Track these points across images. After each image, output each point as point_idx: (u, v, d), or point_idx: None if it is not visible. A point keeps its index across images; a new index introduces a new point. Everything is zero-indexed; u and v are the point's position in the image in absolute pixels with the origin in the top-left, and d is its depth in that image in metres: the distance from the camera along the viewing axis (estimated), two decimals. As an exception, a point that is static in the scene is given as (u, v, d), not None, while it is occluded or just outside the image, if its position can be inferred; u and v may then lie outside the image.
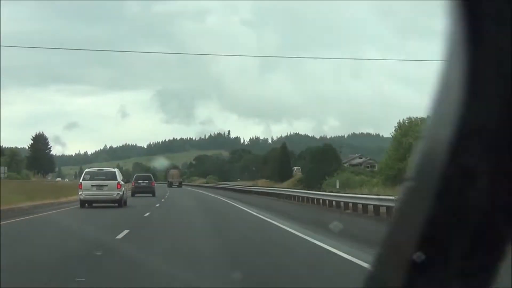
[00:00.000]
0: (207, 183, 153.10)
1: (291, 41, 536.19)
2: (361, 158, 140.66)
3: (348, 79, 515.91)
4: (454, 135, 0.74)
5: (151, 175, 67.76)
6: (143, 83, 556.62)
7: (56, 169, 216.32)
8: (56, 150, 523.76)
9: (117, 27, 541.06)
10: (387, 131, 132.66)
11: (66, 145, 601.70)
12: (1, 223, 23.60)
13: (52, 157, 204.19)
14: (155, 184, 62.93)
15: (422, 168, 0.79)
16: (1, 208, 30.30)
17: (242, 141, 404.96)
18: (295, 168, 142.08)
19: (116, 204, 36.41)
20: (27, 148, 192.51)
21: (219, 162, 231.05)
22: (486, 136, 0.71)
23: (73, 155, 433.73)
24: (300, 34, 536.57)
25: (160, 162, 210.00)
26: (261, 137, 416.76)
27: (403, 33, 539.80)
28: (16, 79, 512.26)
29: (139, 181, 60.61)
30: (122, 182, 38.08)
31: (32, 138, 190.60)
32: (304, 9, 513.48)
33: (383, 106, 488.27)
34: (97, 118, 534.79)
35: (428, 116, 0.86)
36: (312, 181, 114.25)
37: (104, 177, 37.04)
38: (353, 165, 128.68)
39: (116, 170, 39.78)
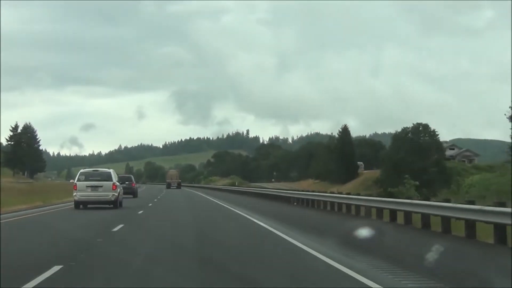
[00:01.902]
0: (235, 184, 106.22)
1: (309, 39, 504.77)
2: (453, 149, 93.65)
3: (368, 77, 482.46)
4: None
5: (131, 176, 63.81)
6: (160, 84, 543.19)
7: (45, 168, 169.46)
8: (72, 150, 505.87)
9: (133, 27, 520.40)
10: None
11: (83, 146, 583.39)
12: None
13: (41, 153, 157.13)
14: (136, 185, 60.10)
15: None
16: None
17: (261, 141, 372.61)
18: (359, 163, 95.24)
19: (112, 206, 34.24)
20: (5, 141, 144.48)
21: (242, 160, 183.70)
22: None
23: (87, 155, 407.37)
24: (319, 32, 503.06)
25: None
26: (281, 137, 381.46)
27: (426, 30, 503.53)
28: (33, 81, 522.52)
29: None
30: (118, 183, 35.74)
31: (11, 128, 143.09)
32: (323, 7, 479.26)
33: (404, 105, 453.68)
34: (114, 119, 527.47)
35: None
36: (398, 182, 67.87)
37: (99, 178, 34.78)
38: (445, 159, 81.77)
39: (111, 170, 36.80)
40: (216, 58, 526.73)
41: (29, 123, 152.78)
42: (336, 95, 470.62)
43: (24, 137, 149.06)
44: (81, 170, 37.76)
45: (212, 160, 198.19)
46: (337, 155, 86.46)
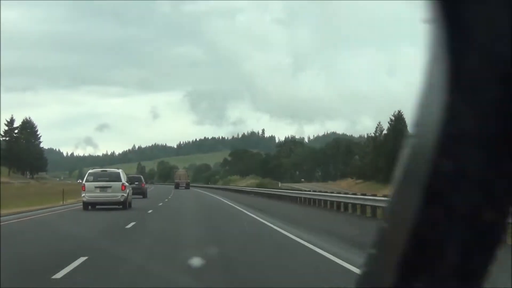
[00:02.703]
0: (277, 186, 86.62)
1: (324, 38, 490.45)
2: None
3: (384, 76, 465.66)
4: (438, 138, 0.70)
5: (141, 176, 60.68)
6: (174, 84, 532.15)
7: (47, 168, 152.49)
8: (87, 151, 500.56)
9: (148, 27, 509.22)
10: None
11: (98, 146, 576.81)
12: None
13: (42, 150, 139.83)
14: (145, 186, 57.64)
15: (410, 169, 0.75)
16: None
17: (277, 140, 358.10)
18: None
19: (121, 206, 32.68)
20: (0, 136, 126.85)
21: (261, 158, 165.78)
22: (468, 140, 0.66)
23: (101, 155, 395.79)
24: (334, 31, 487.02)
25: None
26: (297, 136, 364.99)
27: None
28: (48, 81, 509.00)
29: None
30: (127, 184, 34.34)
31: (6, 122, 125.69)
32: (338, 6, 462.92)
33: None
34: (128, 120, 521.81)
35: (413, 119, 0.83)
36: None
37: (108, 178, 33.54)
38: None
39: (120, 171, 35.49)
40: (231, 57, 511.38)
41: (29, 118, 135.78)
42: (352, 94, 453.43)
43: (24, 133, 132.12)
44: (90, 171, 36.52)
45: (229, 158, 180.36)
46: (388, 149, 68.18)
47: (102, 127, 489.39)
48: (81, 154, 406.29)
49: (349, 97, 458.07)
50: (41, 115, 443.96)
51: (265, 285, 9.65)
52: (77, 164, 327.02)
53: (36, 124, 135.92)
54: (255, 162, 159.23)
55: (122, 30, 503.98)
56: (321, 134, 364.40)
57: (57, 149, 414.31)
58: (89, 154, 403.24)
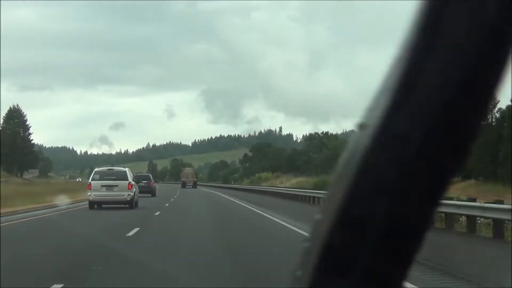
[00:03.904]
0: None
1: (341, 36, 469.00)
2: None
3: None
4: (370, 142, 0.67)
5: (150, 175, 60.65)
6: (190, 82, 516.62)
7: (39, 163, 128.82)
8: (102, 149, 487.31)
9: (163, 26, 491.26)
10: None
11: (113, 144, 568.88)
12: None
13: (32, 144, 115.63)
14: (154, 184, 56.63)
15: (346, 164, 0.70)
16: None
17: (294, 139, 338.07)
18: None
19: (127, 206, 31.70)
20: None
21: (286, 154, 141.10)
22: (409, 142, 0.65)
23: (114, 154, 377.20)
24: (351, 28, 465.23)
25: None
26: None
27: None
28: (64, 80, 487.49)
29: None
30: (134, 183, 33.48)
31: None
32: (355, 2, 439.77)
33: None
34: (143, 118, 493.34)
35: (359, 122, 0.75)
36: None
37: (114, 177, 32.64)
38: None
39: (127, 169, 34.42)
40: (246, 55, 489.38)
41: (17, 106, 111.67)
42: (368, 92, 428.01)
43: (10, 124, 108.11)
44: (96, 169, 35.65)
45: (249, 154, 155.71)
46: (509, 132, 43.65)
47: (117, 126, 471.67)
48: (95, 153, 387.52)
49: (366, 96, 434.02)
50: (57, 114, 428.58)
51: None
52: (90, 163, 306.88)
53: (25, 113, 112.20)
54: (280, 158, 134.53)
55: (138, 28, 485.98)
56: (339, 132, 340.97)
57: (71, 148, 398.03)
58: (103, 153, 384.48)
